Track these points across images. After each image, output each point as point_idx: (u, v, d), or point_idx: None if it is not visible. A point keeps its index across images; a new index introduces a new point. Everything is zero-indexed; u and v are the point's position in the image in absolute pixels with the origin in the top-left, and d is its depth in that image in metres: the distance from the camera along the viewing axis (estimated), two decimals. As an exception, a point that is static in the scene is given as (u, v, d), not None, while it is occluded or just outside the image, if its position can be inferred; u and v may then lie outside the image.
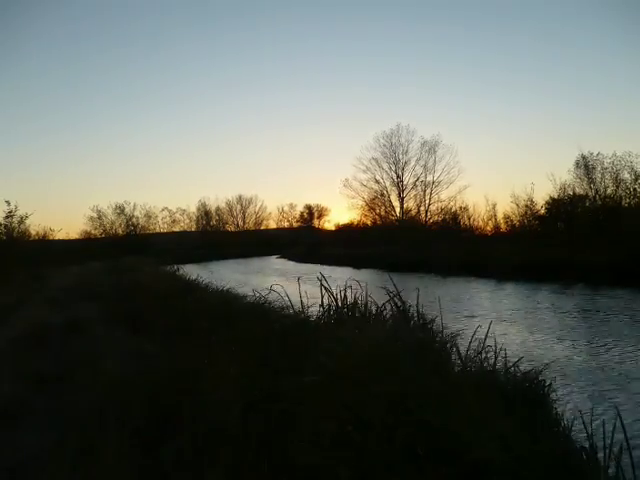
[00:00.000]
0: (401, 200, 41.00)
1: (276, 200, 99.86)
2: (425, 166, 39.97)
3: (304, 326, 5.39)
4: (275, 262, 40.22)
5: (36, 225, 28.17)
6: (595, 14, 56.15)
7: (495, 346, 4.45)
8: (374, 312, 5.90)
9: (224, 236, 61.58)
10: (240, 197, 67.66)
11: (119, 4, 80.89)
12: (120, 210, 50.44)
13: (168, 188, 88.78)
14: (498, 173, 63.32)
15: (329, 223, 67.94)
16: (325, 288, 6.12)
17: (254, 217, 68.60)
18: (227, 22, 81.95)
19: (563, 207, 24.80)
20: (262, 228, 68.96)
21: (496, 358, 4.34)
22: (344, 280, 6.53)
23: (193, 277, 14.06)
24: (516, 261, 18.98)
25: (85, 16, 77.94)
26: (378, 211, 42.32)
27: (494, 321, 5.74)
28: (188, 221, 64.30)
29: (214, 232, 62.88)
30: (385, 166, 41.25)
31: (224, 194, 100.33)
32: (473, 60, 74.29)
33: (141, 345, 5.54)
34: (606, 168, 23.72)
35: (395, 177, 41.15)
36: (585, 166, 24.38)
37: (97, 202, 78.81)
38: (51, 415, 4.05)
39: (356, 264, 28.11)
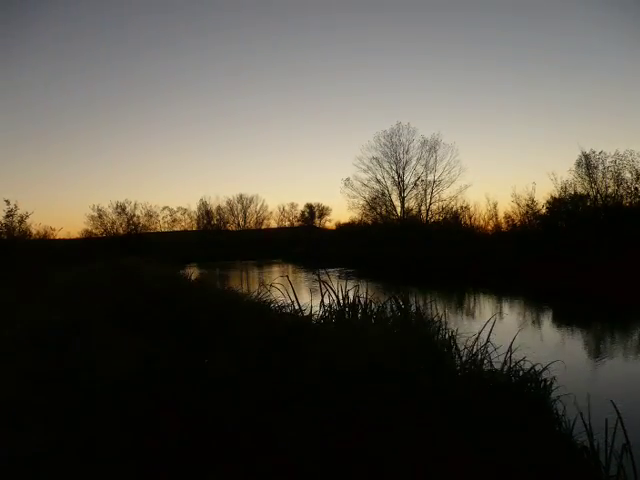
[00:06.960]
0: (402, 199, 40.94)
1: (277, 199, 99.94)
2: (426, 165, 39.90)
3: (305, 326, 5.38)
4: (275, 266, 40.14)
5: (37, 224, 28.23)
6: (596, 11, 56.11)
7: (489, 346, 4.44)
8: (375, 311, 5.90)
9: (225, 235, 61.56)
10: (241, 196, 67.59)
11: (119, 5, 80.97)
12: (121, 209, 50.39)
13: (169, 187, 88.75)
14: (499, 172, 63.30)
15: (330, 222, 67.95)
16: (326, 288, 6.12)
17: (255, 216, 68.51)
18: (227, 21, 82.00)
19: (564, 207, 24.73)
20: (263, 227, 68.93)
21: (487, 357, 4.33)
22: (345, 280, 6.51)
23: (193, 277, 14.08)
24: (516, 261, 18.99)
25: (85, 16, 78.06)
26: (379, 210, 42.24)
27: (493, 321, 5.68)
28: (189, 220, 64.29)
29: (215, 231, 62.85)
30: (386, 165, 41.18)
31: (225, 193, 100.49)
32: (473, 59, 74.29)
33: (141, 345, 5.53)
34: (607, 167, 23.62)
35: (396, 176, 41.08)
36: (587, 165, 24.26)
37: (98, 201, 78.84)
38: (51, 414, 4.04)
39: (357, 263, 28.09)
